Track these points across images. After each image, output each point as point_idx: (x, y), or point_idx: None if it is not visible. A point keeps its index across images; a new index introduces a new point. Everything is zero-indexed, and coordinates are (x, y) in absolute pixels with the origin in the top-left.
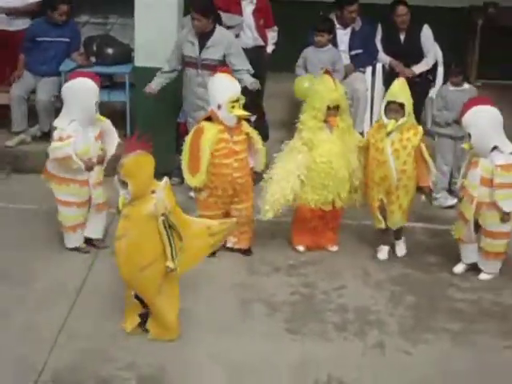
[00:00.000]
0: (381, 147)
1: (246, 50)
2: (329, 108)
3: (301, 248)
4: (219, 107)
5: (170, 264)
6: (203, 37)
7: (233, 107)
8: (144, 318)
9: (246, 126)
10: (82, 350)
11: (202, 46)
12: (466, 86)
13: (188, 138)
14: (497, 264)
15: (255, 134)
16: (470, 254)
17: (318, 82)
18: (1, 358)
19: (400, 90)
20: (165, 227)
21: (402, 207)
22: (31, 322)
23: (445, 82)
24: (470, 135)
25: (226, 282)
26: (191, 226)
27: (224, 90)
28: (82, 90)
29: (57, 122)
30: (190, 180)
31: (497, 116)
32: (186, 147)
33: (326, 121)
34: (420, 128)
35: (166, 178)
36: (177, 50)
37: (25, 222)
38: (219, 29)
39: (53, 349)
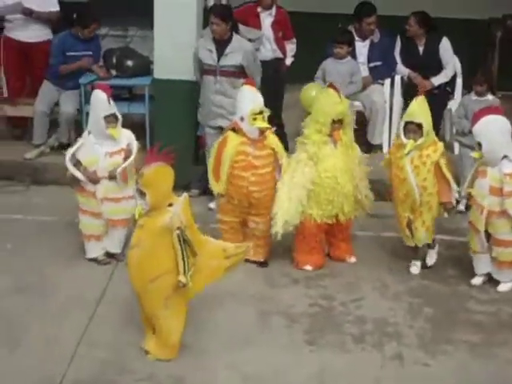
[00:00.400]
0: (401, 165)
1: (264, 63)
2: (333, 122)
3: (309, 267)
4: (242, 119)
5: (181, 278)
6: (221, 44)
7: (255, 119)
8: None
9: (272, 141)
10: (101, 361)
11: (220, 53)
12: (490, 97)
13: (215, 146)
14: (511, 272)
15: (280, 149)
16: (482, 264)
17: (323, 95)
18: (20, 369)
19: (418, 110)
20: (179, 241)
21: (425, 224)
22: (51, 332)
23: (469, 91)
24: (480, 144)
25: (244, 294)
26: (207, 245)
27: (247, 102)
28: (93, 102)
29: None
30: (214, 186)
31: (506, 125)
32: (212, 154)
33: (329, 135)
34: (440, 144)
35: (185, 194)
36: (195, 59)
37: (45, 233)
38: (237, 36)
39: (72, 360)
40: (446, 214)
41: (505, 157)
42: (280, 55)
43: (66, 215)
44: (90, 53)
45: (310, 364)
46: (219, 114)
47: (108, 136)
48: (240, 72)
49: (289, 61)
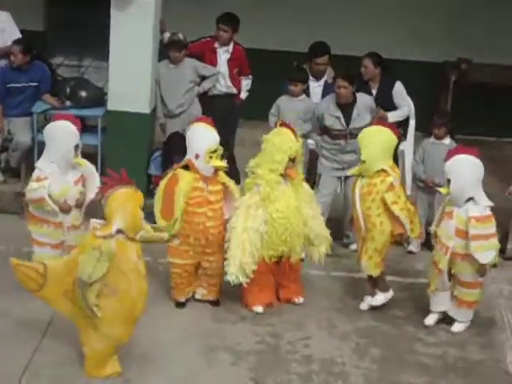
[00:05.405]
0: (354, 190)
1: (217, 97)
2: (289, 159)
3: (259, 309)
4: (197, 157)
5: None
6: (346, 108)
7: (210, 157)
8: None
9: (222, 176)
10: None
11: (347, 118)
12: (447, 140)
13: (162, 185)
14: (469, 313)
15: (232, 184)
16: (441, 301)
17: (277, 133)
18: None
19: (362, 136)
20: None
21: (367, 252)
22: None
23: (421, 133)
24: (449, 181)
25: (191, 330)
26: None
27: (203, 140)
28: (61, 133)
29: (38, 163)
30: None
31: (478, 167)
32: (159, 193)
33: (281, 174)
34: (389, 177)
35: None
36: (317, 121)
37: None
38: (360, 96)
39: None
40: (405, 245)
41: (471, 199)
42: (233, 91)
43: (14, 245)
44: (36, 84)
45: None
46: (341, 168)
47: (73, 165)
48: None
49: (243, 95)
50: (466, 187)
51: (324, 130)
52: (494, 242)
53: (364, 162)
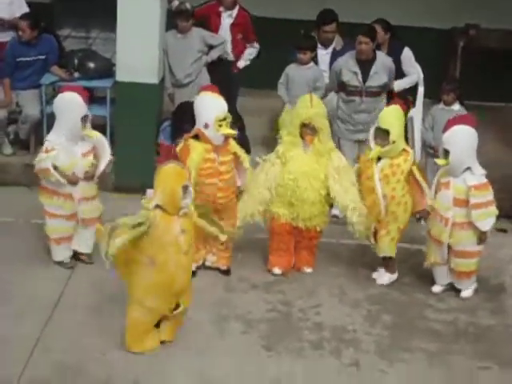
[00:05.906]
0: (370, 174)
1: (213, 63)
2: (304, 125)
3: (277, 270)
4: (206, 126)
5: (222, 238)
6: (365, 64)
7: (220, 126)
8: None
9: (233, 146)
10: (57, 364)
11: (365, 75)
12: (457, 106)
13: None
14: (471, 280)
15: (243, 153)
16: (444, 274)
17: (300, 99)
18: None
19: (387, 117)
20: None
21: (389, 234)
22: (6, 335)
23: (430, 99)
24: (447, 152)
25: (203, 299)
26: None
27: (211, 108)
28: (68, 105)
29: (49, 135)
30: None
31: (474, 137)
32: None
33: (302, 138)
34: (411, 153)
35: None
36: (335, 77)
37: (1, 235)
38: (380, 54)
39: (28, 362)
40: (422, 221)
41: (468, 168)
42: (231, 58)
43: (23, 217)
44: (44, 57)
45: (268, 370)
46: (360, 129)
47: (82, 136)
48: (383, 89)
49: (241, 63)
50: (464, 157)
51: (341, 87)
52: (493, 208)
53: (394, 142)
